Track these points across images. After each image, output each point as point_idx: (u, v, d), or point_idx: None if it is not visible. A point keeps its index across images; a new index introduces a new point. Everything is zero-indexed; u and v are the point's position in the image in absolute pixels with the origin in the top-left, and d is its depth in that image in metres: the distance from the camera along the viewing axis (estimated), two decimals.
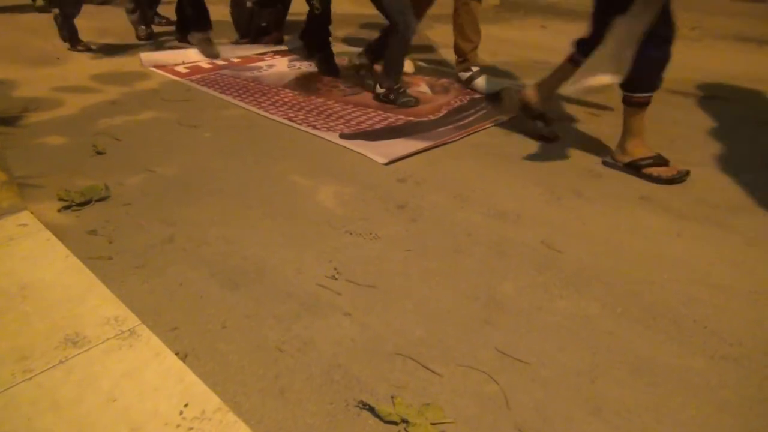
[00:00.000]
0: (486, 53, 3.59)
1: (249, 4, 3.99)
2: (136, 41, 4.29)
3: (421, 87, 3.33)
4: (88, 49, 4.00)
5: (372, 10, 3.05)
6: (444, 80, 3.45)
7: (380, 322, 1.53)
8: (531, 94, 2.57)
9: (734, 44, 4.03)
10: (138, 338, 1.38)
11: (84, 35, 4.40)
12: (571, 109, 3.01)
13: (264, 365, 1.39)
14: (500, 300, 1.62)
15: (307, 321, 1.53)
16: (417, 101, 3.06)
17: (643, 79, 2.15)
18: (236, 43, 4.20)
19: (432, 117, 2.89)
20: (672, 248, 1.85)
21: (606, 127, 2.73)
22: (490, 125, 2.79)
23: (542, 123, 2.62)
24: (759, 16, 4.37)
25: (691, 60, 3.69)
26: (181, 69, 3.63)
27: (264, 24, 4.21)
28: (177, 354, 1.38)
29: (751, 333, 1.49)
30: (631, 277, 1.71)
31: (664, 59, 2.12)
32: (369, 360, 1.41)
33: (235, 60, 3.86)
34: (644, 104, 2.21)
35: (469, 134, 2.69)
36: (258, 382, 1.34)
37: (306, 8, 3.52)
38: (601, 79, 2.05)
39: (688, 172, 2.24)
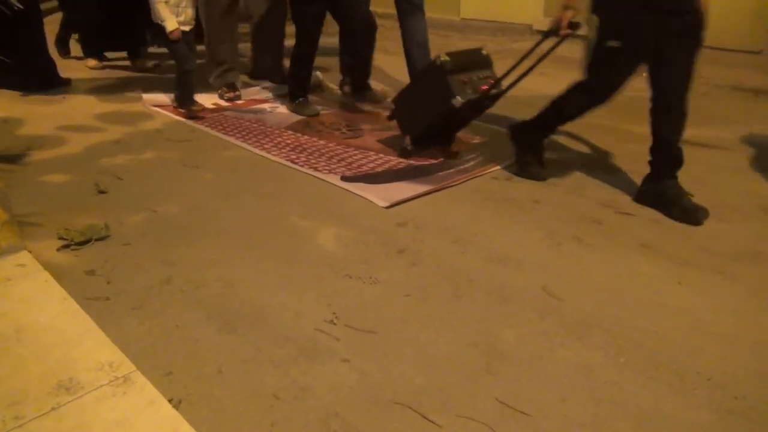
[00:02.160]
0: None
1: (458, 101, 2.64)
2: (140, 82, 4.34)
3: None
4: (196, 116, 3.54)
5: None
6: None
7: (379, 369, 1.51)
8: None
9: (731, 94, 4.09)
10: (132, 385, 1.36)
11: (90, 74, 4.48)
12: (570, 154, 3.04)
13: (260, 412, 1.36)
14: (501, 348, 1.60)
15: (304, 367, 1.51)
16: None
17: None
18: (404, 151, 2.97)
19: (433, 161, 2.91)
20: (674, 297, 1.84)
21: (607, 174, 2.75)
22: (491, 170, 2.81)
23: None
24: (755, 67, 4.46)
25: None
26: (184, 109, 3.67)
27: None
28: (171, 401, 1.35)
29: (756, 385, 1.47)
30: (633, 326, 1.69)
31: None
32: (367, 408, 1.38)
33: (240, 102, 3.92)
34: None
35: (471, 178, 2.71)
36: (253, 431, 1.31)
37: None
38: None
39: None
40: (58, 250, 2.04)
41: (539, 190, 2.60)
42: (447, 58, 2.69)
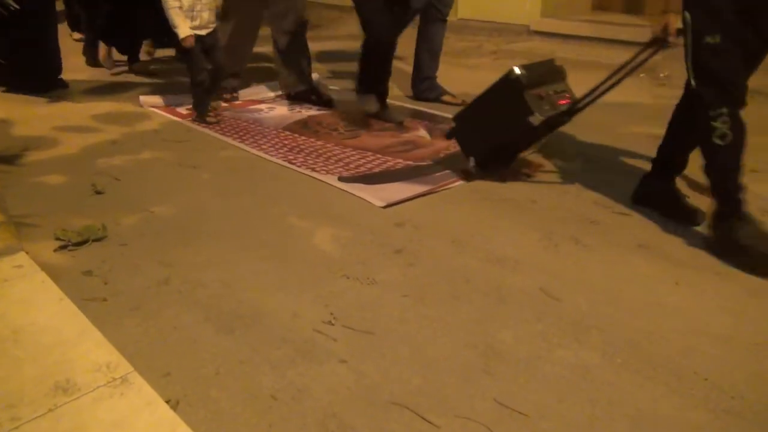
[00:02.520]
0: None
1: (536, 119, 2.40)
2: (137, 83, 4.33)
3: (420, 131, 3.37)
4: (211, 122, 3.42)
5: None
6: (442, 125, 3.49)
7: (377, 369, 1.51)
8: None
9: None
10: (129, 386, 1.35)
11: (87, 75, 4.47)
12: (566, 155, 3.04)
13: (257, 413, 1.36)
14: (499, 348, 1.60)
15: (302, 368, 1.51)
16: None
17: None
18: (467, 174, 2.71)
19: (431, 161, 2.91)
20: (671, 297, 1.84)
21: (603, 174, 2.76)
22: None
23: None
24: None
25: None
26: (182, 110, 3.67)
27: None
28: (168, 401, 1.35)
29: (753, 386, 1.47)
30: (630, 327, 1.69)
31: None
32: (365, 409, 1.38)
33: (237, 102, 3.91)
34: None
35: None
36: None
37: None
38: None
39: None
40: (55, 250, 2.03)
41: (537, 190, 2.60)
42: (522, 72, 2.44)
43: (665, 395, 1.44)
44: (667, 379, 1.49)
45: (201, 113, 3.44)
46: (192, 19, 3.14)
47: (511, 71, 2.47)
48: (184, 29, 3.10)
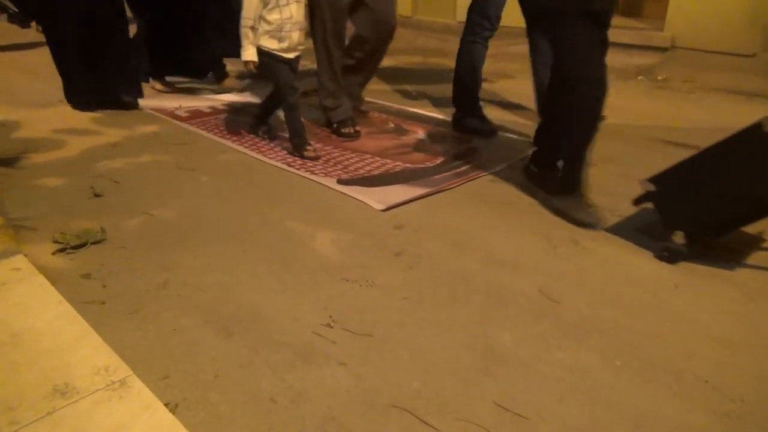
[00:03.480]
0: (497, 110, 3.62)
1: None
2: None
3: (419, 134, 3.37)
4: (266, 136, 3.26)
5: None
6: (441, 128, 3.49)
7: (376, 372, 1.51)
8: None
9: (725, 97, 4.11)
10: (128, 389, 1.35)
11: None
12: None
13: (257, 417, 1.36)
14: (498, 351, 1.60)
15: (301, 371, 1.51)
16: None
17: None
18: (672, 253, 2.04)
19: (429, 164, 2.91)
20: (671, 300, 1.84)
21: (601, 176, 2.76)
22: (487, 173, 2.81)
23: None
24: (748, 71, 4.47)
25: (683, 111, 3.75)
26: (181, 113, 3.67)
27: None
28: (167, 405, 1.35)
29: (754, 389, 1.47)
30: (630, 329, 1.69)
31: None
32: (364, 413, 1.38)
33: (234, 99, 3.91)
34: None
35: (467, 181, 2.71)
36: None
37: None
38: None
39: None
40: (53, 253, 2.03)
41: (536, 192, 2.60)
42: None
43: (666, 398, 1.44)
44: (667, 381, 1.49)
45: (299, 146, 3.00)
46: (280, 40, 2.83)
47: (764, 121, 1.84)
48: (248, 52, 2.82)
